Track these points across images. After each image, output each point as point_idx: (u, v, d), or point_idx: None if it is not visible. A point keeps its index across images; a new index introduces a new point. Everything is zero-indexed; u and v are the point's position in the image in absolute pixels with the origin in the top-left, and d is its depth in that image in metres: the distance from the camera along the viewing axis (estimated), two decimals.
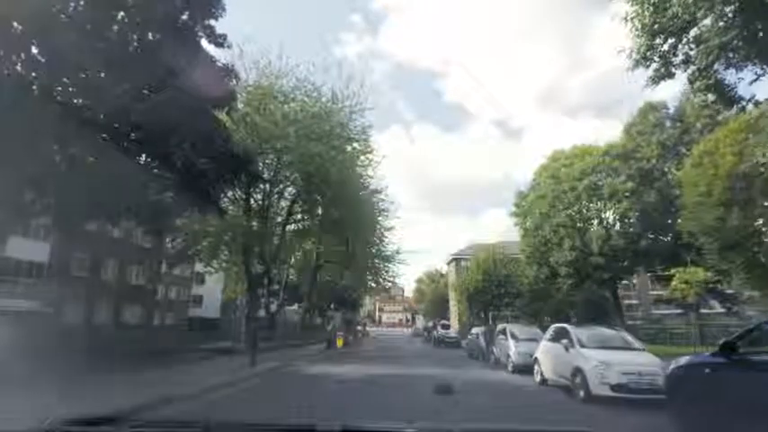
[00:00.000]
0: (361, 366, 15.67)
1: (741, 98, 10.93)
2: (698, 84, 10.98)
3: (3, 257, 19.60)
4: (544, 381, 11.51)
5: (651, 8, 10.67)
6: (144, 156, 12.50)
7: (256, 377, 11.84)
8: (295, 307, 49.17)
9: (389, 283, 37.43)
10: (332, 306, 50.84)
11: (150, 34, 10.90)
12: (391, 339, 43.85)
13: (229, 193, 26.66)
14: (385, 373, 13.34)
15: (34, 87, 10.20)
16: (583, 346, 9.96)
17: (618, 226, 31.07)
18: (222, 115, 20.55)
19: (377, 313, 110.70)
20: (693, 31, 11.12)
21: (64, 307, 23.08)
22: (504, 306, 41.84)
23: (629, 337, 10.74)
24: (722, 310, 32.08)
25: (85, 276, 24.54)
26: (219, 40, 13.93)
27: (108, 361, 14.02)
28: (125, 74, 10.34)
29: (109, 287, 26.23)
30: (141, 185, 10.62)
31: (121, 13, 11.00)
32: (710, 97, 11.16)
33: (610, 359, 9.07)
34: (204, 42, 13.62)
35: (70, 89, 10.81)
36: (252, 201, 26.47)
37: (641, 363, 9.25)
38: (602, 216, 31.47)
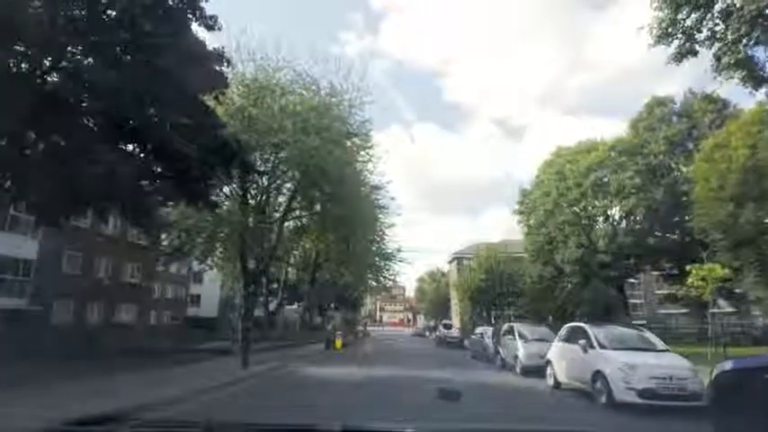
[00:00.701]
0: (361, 368, 14.69)
1: None
2: (725, 60, 10.00)
3: None
4: (557, 384, 10.53)
5: None
6: (125, 141, 11.50)
7: (246, 380, 10.86)
8: (295, 306, 48.24)
9: (390, 282, 36.45)
10: (332, 305, 49.89)
11: (130, 7, 9.91)
12: (392, 339, 42.85)
13: (225, 189, 25.82)
14: (385, 375, 12.36)
15: None
16: (603, 346, 8.97)
17: (624, 223, 30.11)
18: (219, 108, 19.79)
19: (378, 313, 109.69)
20: (719, 5, 10.17)
21: (54, 305, 22.12)
22: (507, 305, 40.87)
23: (653, 337, 9.73)
24: (730, 310, 31.10)
25: (77, 274, 23.54)
26: (209, 23, 12.95)
27: (90, 362, 13.17)
28: (100, 48, 9.37)
29: (102, 285, 25.25)
30: (123, 173, 9.62)
31: None
32: (738, 75, 10.14)
33: (635, 361, 8.08)
34: (194, 26, 12.72)
35: (43, 66, 9.83)
36: (249, 197, 25.56)
37: (670, 365, 8.27)
38: (609, 213, 30.50)
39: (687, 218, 28.62)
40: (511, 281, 40.40)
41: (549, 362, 11.16)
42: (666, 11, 10.12)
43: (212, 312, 42.61)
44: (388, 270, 33.99)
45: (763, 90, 10.49)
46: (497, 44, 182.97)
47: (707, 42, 10.48)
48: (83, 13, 9.35)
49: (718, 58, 10.16)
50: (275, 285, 39.95)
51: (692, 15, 10.36)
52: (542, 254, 31.22)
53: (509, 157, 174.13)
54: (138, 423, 1.89)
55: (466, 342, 29.73)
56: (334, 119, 24.32)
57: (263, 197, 25.37)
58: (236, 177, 14.29)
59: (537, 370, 12.94)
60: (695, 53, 10.77)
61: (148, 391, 8.12)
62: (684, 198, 29.56)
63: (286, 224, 29.90)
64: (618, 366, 8.05)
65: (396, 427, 2.12)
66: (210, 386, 9.43)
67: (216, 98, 12.99)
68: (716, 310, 30.32)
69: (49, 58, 9.55)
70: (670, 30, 10.50)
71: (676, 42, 10.65)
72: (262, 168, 15.80)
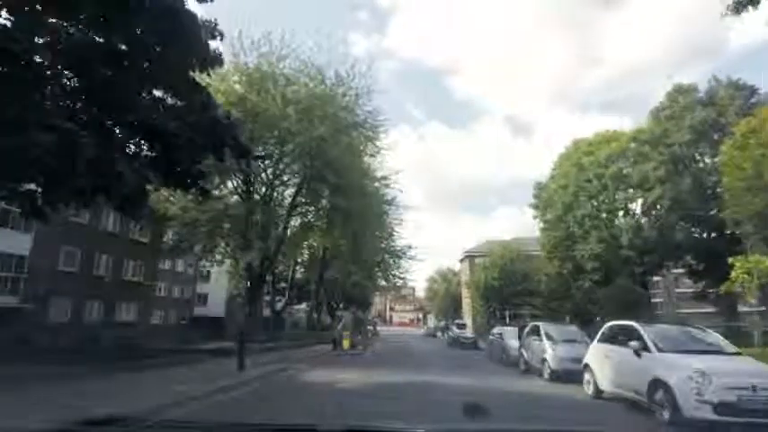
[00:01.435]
0: (369, 371, 13.13)
1: None
2: None
3: None
4: (599, 393, 8.88)
5: None
6: (105, 118, 10.10)
7: (237, 388, 9.37)
8: (304, 306, 46.86)
9: (400, 281, 34.85)
10: (341, 305, 48.44)
11: None
12: (403, 340, 41.20)
13: (230, 184, 24.53)
14: (398, 382, 10.78)
15: None
16: (661, 349, 7.31)
17: (646, 217, 28.21)
18: (219, 96, 18.46)
19: (387, 312, 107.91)
20: None
21: (50, 303, 20.93)
22: (522, 304, 39.00)
23: (719, 338, 8.04)
24: (764, 308, 28.93)
25: (75, 271, 22.34)
26: None
27: (74, 364, 11.91)
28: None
29: (102, 283, 24.05)
30: (85, 146, 8.21)
31: None
32: None
33: (708, 367, 6.42)
34: None
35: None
36: (253, 191, 24.21)
37: (750, 372, 6.61)
38: (630, 206, 28.62)
39: (715, 210, 26.70)
40: (525, 279, 38.57)
41: (586, 366, 9.51)
42: None
43: (220, 312, 41.42)
44: (398, 268, 32.50)
45: None
46: (507, 41, 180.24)
47: None
48: None
49: None
50: (283, 284, 38.66)
51: None
52: (560, 250, 29.40)
53: (519, 156, 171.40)
54: (149, 424, 1.89)
55: (480, 343, 28.03)
56: (340, 108, 22.89)
57: (268, 190, 24.00)
58: (230, 160, 12.66)
59: (567, 375, 11.33)
60: (756, 2, 9.11)
61: (110, 401, 6.67)
62: (711, 190, 27.64)
63: (292, 221, 28.58)
64: (687, 374, 6.40)
65: (397, 428, 2.12)
66: (191, 395, 7.94)
67: (205, 70, 11.53)
68: (750, 309, 28.31)
69: None
70: None
71: None
72: (264, 156, 14.27)
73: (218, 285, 41.27)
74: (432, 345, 33.00)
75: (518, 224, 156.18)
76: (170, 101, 11.30)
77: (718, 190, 25.52)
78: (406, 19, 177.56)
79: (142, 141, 10.98)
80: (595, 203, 27.70)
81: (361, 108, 24.25)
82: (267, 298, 40.57)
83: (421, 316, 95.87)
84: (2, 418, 5.17)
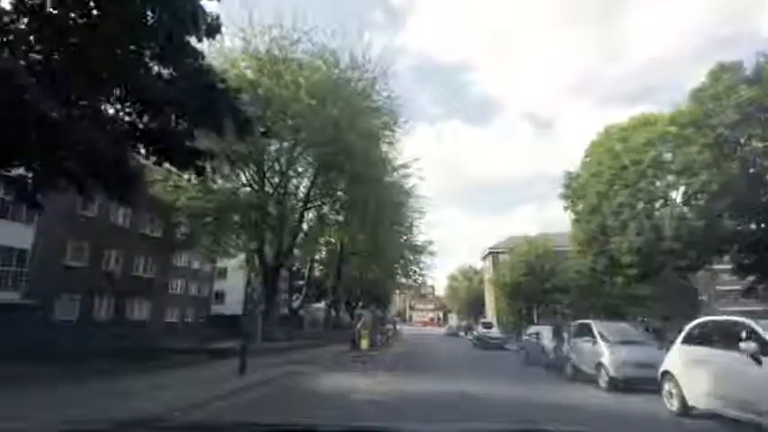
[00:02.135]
0: (389, 377, 11.24)
1: None
2: None
3: None
4: (687, 409, 6.80)
5: None
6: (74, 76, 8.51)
7: (227, 398, 7.66)
8: (322, 304, 45.33)
9: (420, 278, 32.80)
10: (360, 303, 46.74)
11: None
12: (424, 340, 39.15)
13: (243, 177, 23.02)
14: (427, 392, 8.86)
15: None
16: None
17: (690, 205, 25.46)
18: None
19: (407, 312, 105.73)
20: None
21: (56, 300, 19.76)
22: (550, 302, 36.53)
23: None
24: None
25: (83, 266, 21.15)
26: None
27: (68, 363, 10.63)
28: None
29: (112, 279, 22.83)
30: (44, 106, 6.61)
31: None
32: None
33: None
34: None
35: None
36: (266, 181, 22.64)
37: None
38: (671, 194, 25.91)
39: (766, 198, 23.83)
40: (553, 275, 36.09)
41: (665, 375, 7.41)
42: None
43: (238, 310, 40.17)
44: (418, 264, 30.53)
45: None
46: (524, 34, 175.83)
47: None
48: None
49: None
50: (301, 282, 37.15)
51: None
52: (594, 244, 26.89)
53: (539, 152, 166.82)
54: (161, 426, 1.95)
55: (510, 344, 25.85)
56: (356, 93, 21.13)
57: (282, 181, 22.37)
58: (236, 140, 10.91)
59: (630, 383, 9.26)
60: None
61: (72, 410, 5.01)
62: (761, 175, 24.73)
63: (308, 215, 26.95)
64: None
65: (398, 429, 2.15)
66: (174, 405, 6.24)
67: (200, 40, 9.86)
68: None
69: None
70: None
71: None
72: (268, 133, 12.57)
73: (236, 283, 40.07)
74: (455, 345, 30.89)
75: (538, 222, 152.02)
76: (162, 70, 9.72)
77: None
78: (421, 16, 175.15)
79: (124, 107, 9.36)
80: (633, 192, 25.11)
81: (378, 93, 22.47)
82: (285, 296, 39.23)
83: (441, 315, 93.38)
84: None
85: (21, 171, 10.16)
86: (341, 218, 28.17)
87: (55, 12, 7.58)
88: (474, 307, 59.09)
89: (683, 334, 7.40)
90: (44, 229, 18.85)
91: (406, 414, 6.55)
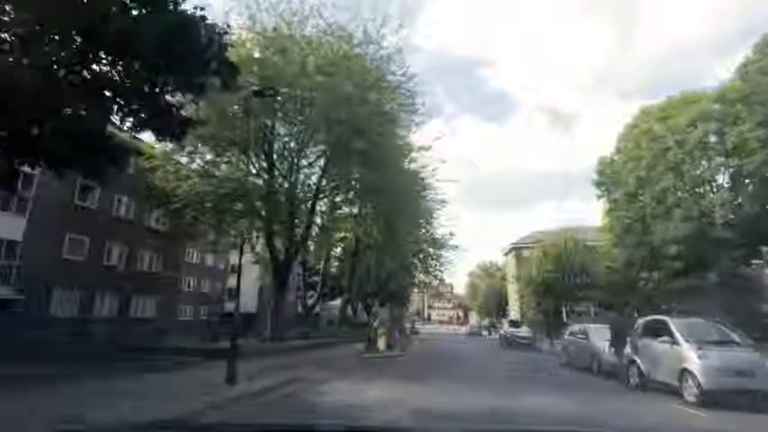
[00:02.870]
0: (410, 386, 9.09)
1: None
2: None
3: None
4: None
5: None
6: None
7: (210, 410, 5.58)
8: (339, 302, 43.40)
9: (440, 273, 30.40)
10: (377, 301, 44.63)
11: None
12: (445, 339, 36.75)
13: (252, 167, 21.17)
14: (452, 409, 6.63)
15: None
16: None
17: (743, 188, 22.51)
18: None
19: (425, 310, 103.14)
20: None
21: (49, 295, 18.21)
22: (580, 299, 33.74)
23: None
24: None
25: (82, 260, 19.60)
26: None
27: (48, 363, 9.02)
28: None
29: (115, 274, 21.28)
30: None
31: None
32: None
33: None
34: None
35: None
36: (276, 172, 20.71)
37: None
38: (719, 177, 23.02)
39: None
40: (583, 271, 33.28)
41: None
42: None
43: (252, 307, 38.58)
44: (438, 259, 28.22)
45: None
46: (540, 27, 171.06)
47: None
48: None
49: None
50: (316, 278, 35.24)
51: None
52: (634, 233, 24.16)
53: (557, 148, 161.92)
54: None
55: (539, 344, 23.40)
56: (369, 67, 19.03)
57: (294, 163, 20.39)
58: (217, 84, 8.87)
59: (727, 397, 6.92)
60: None
61: None
62: None
63: (320, 206, 24.96)
64: None
65: (399, 428, 2.27)
66: (128, 422, 4.22)
67: None
68: None
69: None
70: None
71: None
72: (263, 92, 10.61)
73: (251, 280, 38.38)
74: (479, 345, 28.47)
75: (559, 219, 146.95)
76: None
77: None
78: (434, 10, 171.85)
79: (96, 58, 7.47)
80: (677, 175, 22.36)
81: (393, 74, 20.25)
82: (299, 293, 37.36)
83: (461, 314, 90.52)
84: None
85: None
86: (355, 209, 26.18)
87: None
88: (495, 305, 56.28)
89: None
90: (38, 220, 17.31)
91: None
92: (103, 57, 7.72)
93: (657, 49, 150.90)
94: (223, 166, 19.64)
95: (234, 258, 34.86)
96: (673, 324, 8.49)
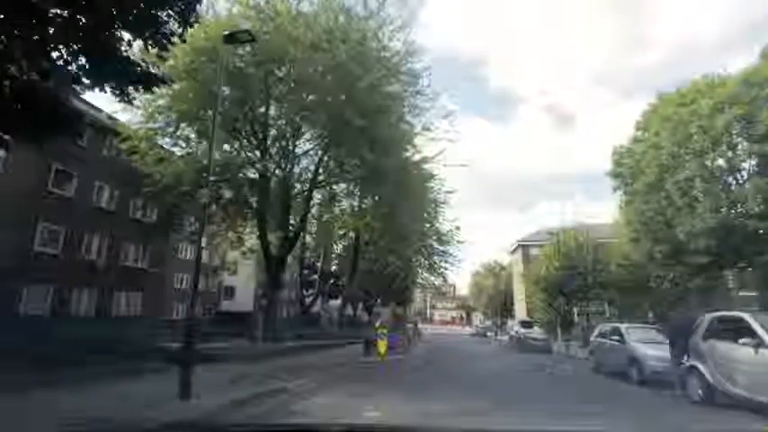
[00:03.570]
0: (419, 402, 7.12)
1: None
2: None
3: None
4: None
5: None
6: None
7: None
8: (340, 302, 41.57)
9: (445, 270, 28.28)
10: (378, 301, 42.70)
11: None
12: (449, 341, 34.73)
13: (243, 154, 19.25)
14: None
15: None
16: None
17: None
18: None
19: (428, 310, 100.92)
20: None
21: (16, 291, 16.38)
22: (591, 299, 31.71)
23: None
24: None
25: (56, 253, 17.78)
26: None
27: None
28: None
29: (95, 269, 19.47)
30: None
31: None
32: None
33: None
34: None
35: None
36: (269, 158, 18.81)
37: None
38: (744, 165, 20.98)
39: None
40: (594, 269, 31.28)
41: None
42: None
43: (248, 306, 36.73)
44: (444, 255, 26.22)
45: None
46: (542, 26, 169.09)
47: None
48: None
49: None
50: (315, 276, 33.41)
51: None
52: (653, 226, 22.14)
53: (560, 148, 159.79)
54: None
55: (553, 346, 21.42)
56: (370, 40, 17.17)
57: (286, 150, 18.55)
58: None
59: None
60: None
61: None
62: None
63: (318, 196, 23.12)
64: None
65: (398, 429, 2.28)
66: None
67: None
68: None
69: None
70: None
71: None
72: (244, 36, 8.74)
73: (247, 278, 36.62)
74: (487, 347, 26.47)
75: (562, 219, 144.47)
76: None
77: None
78: (434, 8, 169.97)
79: None
80: (703, 163, 20.36)
81: (398, 54, 18.28)
82: (294, 291, 35.45)
83: (464, 314, 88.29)
84: None
85: None
86: (355, 201, 24.31)
87: None
88: (500, 305, 54.17)
89: None
90: (5, 209, 15.48)
91: None
92: None
93: (660, 48, 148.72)
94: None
95: (230, 254, 33.04)
96: (756, 322, 6.52)
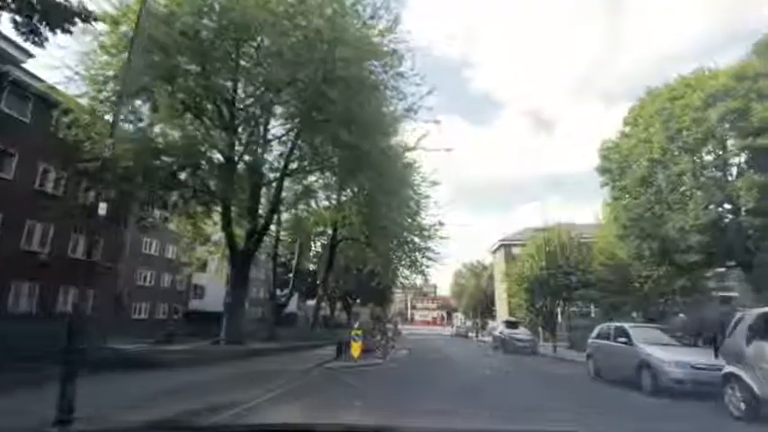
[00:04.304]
0: (387, 417, 5.40)
1: None
2: None
3: None
4: None
5: None
6: None
7: None
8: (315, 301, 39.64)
9: (426, 268, 26.58)
10: (358, 300, 41.00)
11: None
12: (430, 341, 33.16)
13: (207, 136, 17.10)
14: None
15: None
16: None
17: None
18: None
19: (409, 311, 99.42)
20: None
21: None
22: (574, 299, 30.70)
23: None
24: None
25: None
26: None
27: None
28: None
29: (35, 262, 17.17)
30: None
31: None
32: None
33: None
34: None
35: None
36: (236, 140, 16.83)
37: None
38: (735, 160, 20.15)
39: None
40: (578, 269, 30.27)
41: None
42: None
43: (219, 305, 34.35)
44: (426, 251, 24.59)
45: None
46: (525, 29, 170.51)
47: None
48: None
49: None
50: (290, 275, 31.41)
51: None
52: (643, 223, 21.07)
53: (540, 151, 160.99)
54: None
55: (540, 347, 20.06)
56: (348, 12, 15.44)
57: (254, 131, 16.67)
58: None
59: None
60: None
61: None
62: None
63: (293, 186, 21.27)
64: None
65: (398, 429, 2.14)
66: None
67: None
68: None
69: None
70: None
71: None
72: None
73: (218, 276, 34.23)
74: (470, 348, 25.02)
75: (542, 222, 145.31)
76: None
77: None
78: (419, 9, 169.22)
79: None
80: (699, 157, 19.39)
81: (380, 33, 16.53)
82: (261, 289, 33.34)
83: (445, 314, 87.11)
84: None
85: None
86: (332, 193, 22.58)
87: None
88: (482, 305, 53.05)
89: None
90: None
91: None
92: None
93: (643, 54, 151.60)
94: (170, 131, 15.70)
95: (199, 250, 30.68)
96: None
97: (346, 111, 13.95)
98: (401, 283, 38.12)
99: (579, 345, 23.75)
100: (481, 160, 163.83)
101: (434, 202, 22.89)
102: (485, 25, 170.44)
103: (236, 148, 16.33)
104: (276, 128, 18.66)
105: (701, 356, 7.79)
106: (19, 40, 8.78)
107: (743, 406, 5.83)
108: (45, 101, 16.05)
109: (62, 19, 6.75)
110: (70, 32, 7.51)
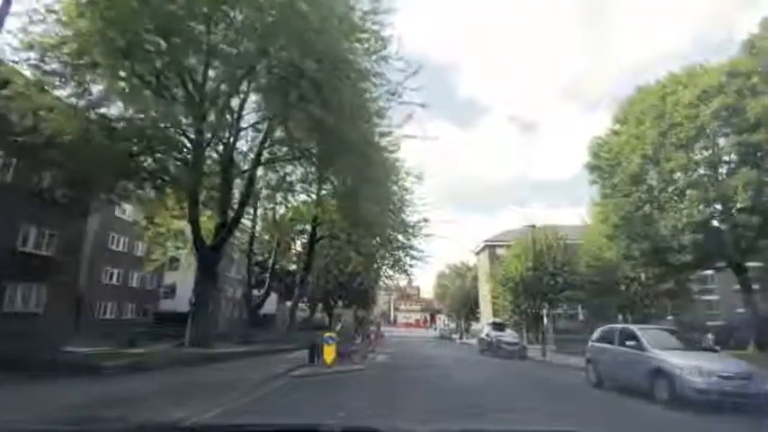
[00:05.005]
0: None
1: None
2: None
3: None
4: None
5: None
6: None
7: None
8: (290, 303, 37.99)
9: (411, 266, 25.17)
10: (339, 302, 39.49)
11: None
12: (413, 344, 31.82)
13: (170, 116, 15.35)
14: None
15: None
16: None
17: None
18: None
19: (392, 313, 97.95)
20: None
21: None
22: (560, 301, 29.94)
23: None
24: None
25: None
26: None
27: None
28: None
29: None
30: None
31: None
32: None
33: None
34: None
35: None
36: (204, 124, 15.22)
37: None
38: (727, 157, 19.55)
39: None
40: (564, 270, 29.53)
41: None
42: None
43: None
44: (410, 249, 23.29)
45: None
46: (511, 34, 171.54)
47: None
48: None
49: None
50: (266, 275, 29.75)
51: None
52: (634, 222, 20.27)
53: (525, 154, 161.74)
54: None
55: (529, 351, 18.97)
56: None
57: (223, 111, 15.10)
58: None
59: None
60: None
61: None
62: None
63: (267, 175, 19.80)
64: None
65: (398, 429, 2.10)
66: None
67: None
68: None
69: None
70: None
71: None
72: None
73: (190, 275, 32.23)
74: (455, 352, 23.78)
75: (525, 222, 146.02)
76: None
77: None
78: (403, 13, 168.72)
79: None
80: (690, 154, 18.68)
81: (363, 13, 15.18)
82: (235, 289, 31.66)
83: (428, 316, 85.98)
84: None
85: None
86: (311, 187, 21.14)
87: None
88: (466, 307, 52.07)
89: None
90: None
91: None
92: None
93: (626, 60, 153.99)
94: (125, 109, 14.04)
95: (168, 246, 28.73)
96: None
97: (326, 90, 12.61)
98: (384, 283, 36.89)
99: (566, 348, 22.86)
100: (466, 163, 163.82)
101: (419, 198, 21.73)
102: (471, 30, 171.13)
103: (206, 134, 14.80)
104: (250, 114, 17.18)
105: (725, 363, 6.73)
106: None
107: None
108: None
109: None
110: None
